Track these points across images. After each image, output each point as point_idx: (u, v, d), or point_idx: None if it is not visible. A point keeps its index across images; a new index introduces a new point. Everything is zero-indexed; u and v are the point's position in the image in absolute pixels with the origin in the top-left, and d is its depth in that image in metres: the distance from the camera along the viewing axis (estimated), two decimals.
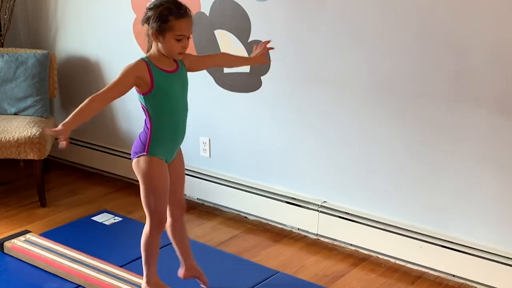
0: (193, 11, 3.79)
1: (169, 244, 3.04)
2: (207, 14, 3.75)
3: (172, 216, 2.91)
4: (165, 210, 2.81)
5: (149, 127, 2.68)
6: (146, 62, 2.60)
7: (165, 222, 2.83)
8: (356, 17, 3.30)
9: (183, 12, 2.56)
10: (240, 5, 3.63)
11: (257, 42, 3.62)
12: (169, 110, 2.67)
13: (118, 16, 4.20)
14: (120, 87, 2.58)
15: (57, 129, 2.47)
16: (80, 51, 4.50)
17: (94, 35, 4.38)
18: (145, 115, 2.69)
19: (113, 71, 4.34)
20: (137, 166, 2.72)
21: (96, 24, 4.35)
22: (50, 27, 4.58)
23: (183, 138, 2.80)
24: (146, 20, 2.58)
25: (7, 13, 4.46)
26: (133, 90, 2.65)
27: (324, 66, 3.47)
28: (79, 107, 2.54)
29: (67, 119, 2.52)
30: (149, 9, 2.59)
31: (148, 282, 2.89)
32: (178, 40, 2.55)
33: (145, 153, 2.69)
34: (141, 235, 3.69)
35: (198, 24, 3.81)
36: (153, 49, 2.62)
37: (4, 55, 4.24)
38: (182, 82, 2.73)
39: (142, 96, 2.64)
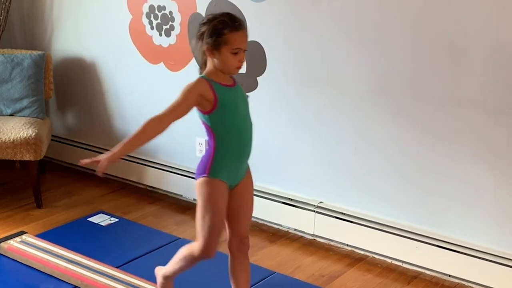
0: (189, 12, 3.82)
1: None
2: (203, 15, 3.75)
3: (230, 247, 2.73)
4: (218, 238, 2.60)
5: (212, 147, 2.54)
6: (206, 79, 2.48)
7: (214, 251, 2.62)
8: (353, 18, 3.30)
9: (237, 24, 2.45)
10: (236, 6, 3.63)
11: (253, 43, 3.63)
12: (236, 127, 2.54)
13: (114, 17, 4.20)
14: (181, 108, 2.45)
15: (104, 160, 2.36)
16: (76, 51, 4.49)
17: (90, 35, 4.38)
18: (209, 135, 2.54)
19: (109, 71, 4.34)
20: (197, 187, 2.59)
21: (92, 24, 4.34)
22: (45, 28, 4.58)
23: (248, 157, 2.65)
24: (201, 36, 2.46)
25: (2, 14, 4.46)
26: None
27: (320, 67, 3.48)
28: (134, 132, 2.41)
29: (117, 148, 2.40)
30: (203, 24, 2.48)
31: (165, 277, 2.81)
32: (235, 54, 2.44)
33: (206, 175, 2.54)
34: (136, 236, 3.69)
35: (194, 24, 3.81)
36: (209, 66, 2.51)
37: (0, 56, 4.23)
38: (243, 96, 2.60)
39: (206, 116, 2.50)
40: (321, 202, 3.63)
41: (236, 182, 2.63)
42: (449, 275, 3.28)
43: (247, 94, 3.73)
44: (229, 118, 2.51)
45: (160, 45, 4.01)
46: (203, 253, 2.61)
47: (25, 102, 4.20)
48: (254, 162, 3.87)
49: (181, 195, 4.19)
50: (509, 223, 3.09)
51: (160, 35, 3.98)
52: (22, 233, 3.57)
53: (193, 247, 2.64)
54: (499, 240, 3.13)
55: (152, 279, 3.12)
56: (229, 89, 2.52)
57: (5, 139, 3.87)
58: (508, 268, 3.08)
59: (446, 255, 3.24)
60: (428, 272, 3.34)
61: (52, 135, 4.54)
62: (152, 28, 4.01)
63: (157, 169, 4.24)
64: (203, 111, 2.50)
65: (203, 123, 2.54)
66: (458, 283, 3.25)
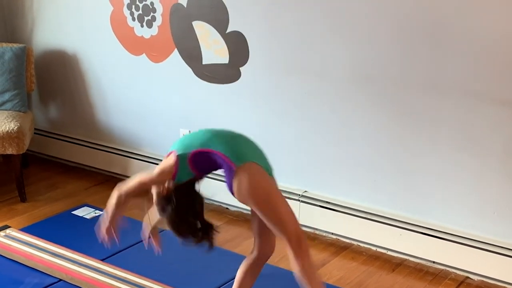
0: (170, 2, 3.80)
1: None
2: (185, 6, 3.74)
3: (260, 253, 2.65)
4: (296, 219, 2.41)
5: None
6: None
7: (304, 234, 2.41)
8: (334, 7, 3.30)
9: None
10: None
11: (235, 33, 3.62)
12: None
13: (95, 9, 4.17)
14: None
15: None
16: (57, 44, 4.46)
17: (71, 28, 4.35)
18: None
19: (91, 64, 4.32)
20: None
21: (73, 17, 4.31)
22: (26, 20, 4.54)
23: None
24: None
25: None
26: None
27: (303, 56, 3.48)
28: None
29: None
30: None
31: None
32: None
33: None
34: (121, 228, 3.67)
35: (176, 15, 3.80)
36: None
37: None
38: None
39: None
40: (305, 191, 3.64)
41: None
42: (433, 262, 3.30)
43: (229, 84, 3.73)
44: None
45: (142, 36, 3.99)
46: (298, 248, 2.38)
47: (6, 96, 4.17)
48: None
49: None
50: (491, 210, 3.12)
51: (142, 26, 3.96)
52: (6, 227, 3.55)
53: (292, 260, 2.40)
54: (481, 227, 3.15)
55: (137, 271, 3.12)
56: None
57: None
58: (491, 254, 3.11)
59: (430, 242, 3.26)
60: (412, 259, 3.36)
61: (35, 128, 4.51)
62: (133, 19, 3.99)
63: (141, 161, 4.22)
64: None
65: None
66: (442, 270, 3.28)
